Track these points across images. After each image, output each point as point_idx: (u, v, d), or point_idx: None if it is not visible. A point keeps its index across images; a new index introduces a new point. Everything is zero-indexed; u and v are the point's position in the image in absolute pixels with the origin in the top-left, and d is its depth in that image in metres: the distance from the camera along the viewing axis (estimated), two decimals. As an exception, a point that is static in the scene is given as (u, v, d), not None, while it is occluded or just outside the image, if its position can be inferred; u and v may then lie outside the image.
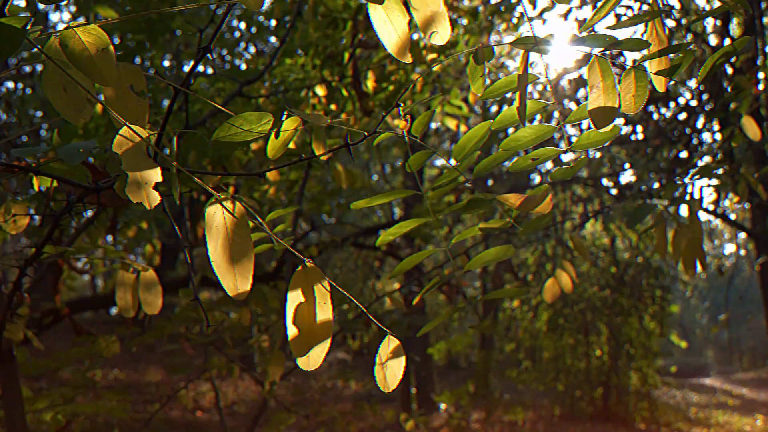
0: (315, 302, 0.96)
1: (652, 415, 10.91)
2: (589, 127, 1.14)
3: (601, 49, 1.04)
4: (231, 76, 4.14)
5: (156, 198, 0.91)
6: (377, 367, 1.04)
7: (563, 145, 1.18)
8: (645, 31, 1.11)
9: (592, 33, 1.04)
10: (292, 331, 0.95)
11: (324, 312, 0.97)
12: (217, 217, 0.94)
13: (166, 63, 5.50)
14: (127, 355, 11.40)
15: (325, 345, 0.96)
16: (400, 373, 1.05)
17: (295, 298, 0.96)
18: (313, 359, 0.96)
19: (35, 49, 0.95)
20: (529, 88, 1.19)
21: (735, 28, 7.39)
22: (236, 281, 0.93)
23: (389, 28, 0.99)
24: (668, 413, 11.73)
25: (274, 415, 4.83)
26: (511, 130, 1.20)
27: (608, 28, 1.08)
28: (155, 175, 0.92)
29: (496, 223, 1.21)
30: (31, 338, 2.38)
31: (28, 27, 0.88)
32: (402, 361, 1.05)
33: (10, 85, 7.21)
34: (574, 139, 1.17)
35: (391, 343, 1.05)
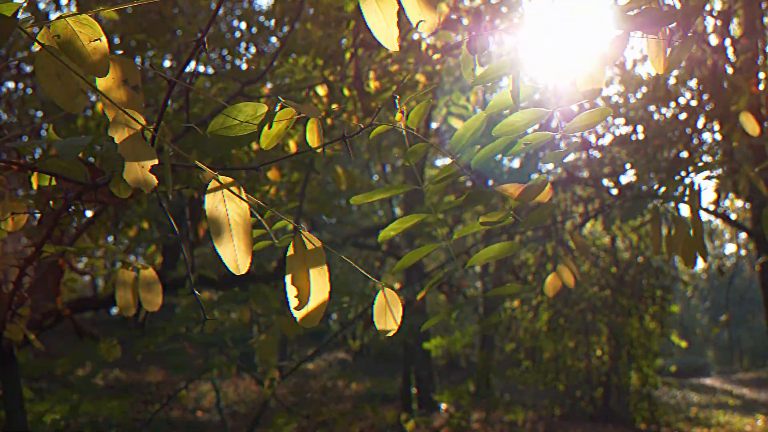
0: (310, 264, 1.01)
1: (652, 415, 10.91)
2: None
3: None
4: (232, 76, 4.14)
5: (153, 181, 0.92)
6: (377, 314, 1.09)
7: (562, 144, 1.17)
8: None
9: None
10: (292, 293, 0.99)
11: (321, 275, 1.01)
12: (217, 196, 0.97)
13: (167, 63, 5.49)
14: (128, 355, 11.40)
15: (324, 304, 1.00)
16: (398, 317, 1.10)
17: (294, 263, 1.00)
18: (312, 317, 1.00)
19: (33, 44, 0.95)
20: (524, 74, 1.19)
21: (735, 28, 7.38)
22: (236, 255, 0.96)
23: (379, 16, 1.00)
24: (668, 413, 11.73)
25: (275, 416, 4.83)
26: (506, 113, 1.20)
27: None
28: (152, 160, 0.93)
29: (497, 215, 1.21)
30: (32, 340, 2.38)
31: (20, 15, 0.88)
32: (399, 307, 1.10)
33: (11, 85, 7.20)
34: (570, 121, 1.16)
35: (387, 292, 1.09)
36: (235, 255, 0.95)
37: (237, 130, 1.07)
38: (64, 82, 0.97)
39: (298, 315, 0.99)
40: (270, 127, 1.09)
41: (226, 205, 0.96)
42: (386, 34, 1.00)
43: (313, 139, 1.18)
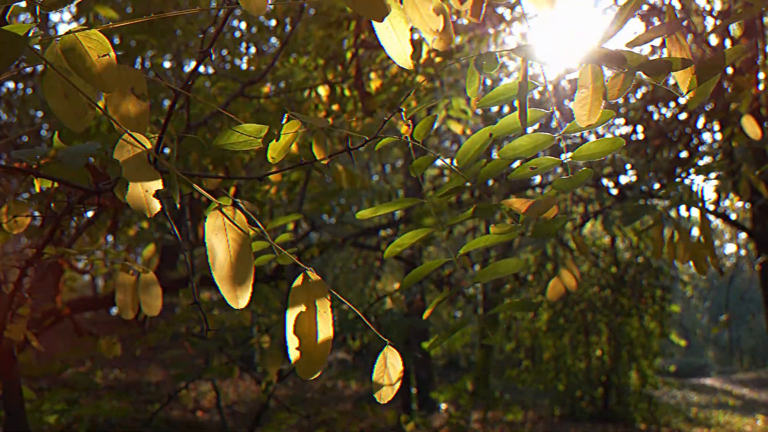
0: (316, 313, 0.95)
1: (652, 415, 10.91)
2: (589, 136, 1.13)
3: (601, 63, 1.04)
4: (233, 76, 4.14)
5: (156, 206, 0.90)
6: (375, 378, 1.03)
7: (565, 152, 1.17)
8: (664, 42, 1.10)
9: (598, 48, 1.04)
10: (292, 342, 0.93)
11: (325, 323, 0.95)
12: (218, 224, 0.92)
13: (167, 63, 5.49)
14: (128, 355, 11.40)
15: (326, 355, 0.95)
16: (397, 386, 1.05)
17: (296, 309, 0.94)
18: (312, 368, 0.95)
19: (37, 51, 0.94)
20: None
21: (735, 27, 7.37)
22: (236, 291, 0.92)
23: (392, 35, 0.99)
24: (668, 413, 11.73)
25: (275, 415, 4.83)
26: (512, 135, 1.20)
27: (627, 45, 1.07)
28: (156, 183, 0.90)
29: (505, 228, 1.20)
30: (31, 339, 2.38)
31: (30, 34, 0.87)
32: (400, 371, 1.05)
33: (11, 85, 7.20)
34: (576, 150, 1.16)
35: (390, 353, 1.04)
36: (235, 293, 0.91)
37: (242, 146, 1.05)
38: (71, 102, 0.96)
39: (298, 366, 0.93)
40: (277, 140, 1.09)
41: (227, 235, 0.91)
42: (399, 52, 1.01)
43: (319, 151, 1.17)
